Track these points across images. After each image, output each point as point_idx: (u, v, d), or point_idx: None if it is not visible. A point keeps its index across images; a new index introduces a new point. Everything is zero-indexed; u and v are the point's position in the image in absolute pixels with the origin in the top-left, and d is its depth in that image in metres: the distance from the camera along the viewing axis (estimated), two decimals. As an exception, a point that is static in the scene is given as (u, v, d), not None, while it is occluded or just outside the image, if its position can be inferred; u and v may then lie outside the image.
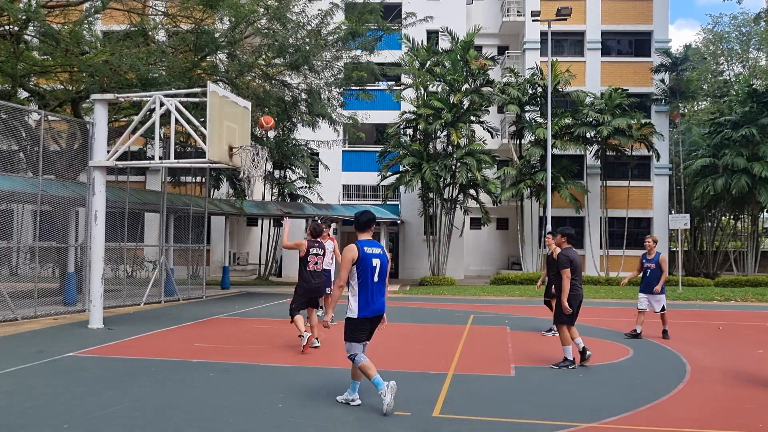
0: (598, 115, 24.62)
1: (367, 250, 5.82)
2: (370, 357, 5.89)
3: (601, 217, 26.53)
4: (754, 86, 26.73)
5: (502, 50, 30.27)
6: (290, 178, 25.87)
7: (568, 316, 7.97)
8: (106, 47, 13.85)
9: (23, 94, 16.17)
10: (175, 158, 11.53)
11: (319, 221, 10.10)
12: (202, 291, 17.59)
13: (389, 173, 24.50)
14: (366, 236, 5.95)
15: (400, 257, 27.18)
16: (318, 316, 9.87)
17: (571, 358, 7.92)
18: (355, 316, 5.77)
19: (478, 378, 7.34)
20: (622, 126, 24.23)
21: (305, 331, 8.75)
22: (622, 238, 25.93)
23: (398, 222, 25.33)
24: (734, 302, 18.08)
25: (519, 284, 22.40)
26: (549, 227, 21.53)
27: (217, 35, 14.46)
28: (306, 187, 25.57)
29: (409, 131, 24.92)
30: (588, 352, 8.02)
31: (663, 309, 10.70)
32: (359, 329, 5.81)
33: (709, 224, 31.80)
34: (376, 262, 5.81)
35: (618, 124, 24.14)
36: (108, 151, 11.34)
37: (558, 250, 8.43)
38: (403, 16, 18.31)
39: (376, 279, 5.80)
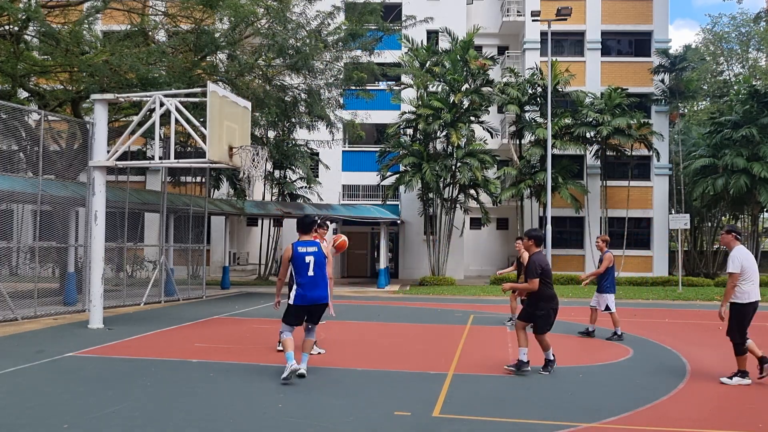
0: (597, 115, 24.62)
1: (301, 249, 6.86)
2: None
3: (601, 217, 26.53)
4: (755, 86, 26.71)
5: (502, 50, 30.27)
6: (290, 178, 25.86)
7: (547, 324, 7.52)
8: (106, 47, 13.85)
9: (23, 94, 16.16)
10: (175, 158, 11.53)
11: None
12: (202, 291, 17.59)
13: (389, 173, 24.50)
14: (306, 237, 6.98)
15: (400, 257, 27.18)
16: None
17: (527, 360, 7.49)
18: (291, 303, 6.90)
19: (478, 378, 7.34)
20: (621, 126, 24.23)
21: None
22: (623, 238, 25.91)
23: (398, 222, 25.32)
24: (734, 302, 18.04)
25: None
26: (549, 227, 21.54)
27: (217, 35, 14.45)
28: (306, 187, 25.56)
29: (409, 131, 24.92)
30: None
31: (607, 309, 10.41)
32: (292, 315, 6.94)
33: (709, 224, 31.80)
34: (309, 258, 6.82)
35: (618, 123, 24.14)
36: (108, 151, 11.34)
37: (526, 254, 8.08)
38: (403, 18, 18.30)
39: (311, 273, 6.80)
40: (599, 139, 25.33)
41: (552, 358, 7.68)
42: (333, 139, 21.94)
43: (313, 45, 15.31)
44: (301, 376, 6.78)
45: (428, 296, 19.08)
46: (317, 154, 25.56)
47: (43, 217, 12.94)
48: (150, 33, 15.20)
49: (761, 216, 29.98)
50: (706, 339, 10.76)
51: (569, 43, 28.19)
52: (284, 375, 6.72)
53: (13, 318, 11.62)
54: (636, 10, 27.83)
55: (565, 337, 10.63)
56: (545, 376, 7.45)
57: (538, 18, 22.80)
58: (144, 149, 19.03)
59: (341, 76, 17.56)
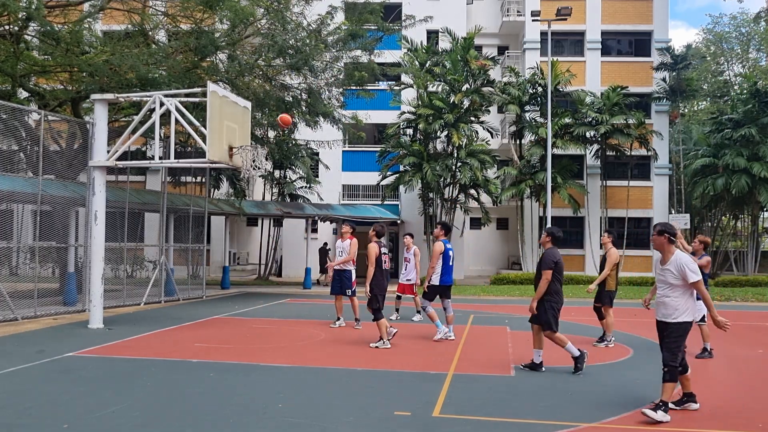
0: (597, 114, 24.63)
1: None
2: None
3: (601, 217, 26.53)
4: (757, 85, 26.65)
5: (502, 50, 30.27)
6: (290, 178, 25.85)
7: (555, 320, 7.54)
8: (106, 47, 13.83)
9: (23, 94, 16.15)
10: (175, 158, 11.52)
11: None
12: (202, 291, 17.58)
13: (389, 173, 24.49)
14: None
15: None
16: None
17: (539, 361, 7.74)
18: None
19: (478, 378, 7.34)
20: (620, 124, 24.22)
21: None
22: (622, 238, 25.91)
23: (398, 222, 25.30)
24: (734, 302, 18.06)
25: (519, 284, 22.38)
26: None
27: (217, 35, 14.44)
28: (306, 187, 25.54)
29: (409, 131, 24.91)
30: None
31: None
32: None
33: (709, 224, 31.79)
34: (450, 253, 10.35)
35: (617, 121, 24.13)
36: (108, 151, 11.34)
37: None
38: (403, 18, 18.28)
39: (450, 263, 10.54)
40: (599, 139, 25.34)
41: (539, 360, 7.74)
42: (337, 138, 21.87)
43: (313, 45, 15.30)
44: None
45: (428, 296, 19.02)
46: (317, 154, 25.53)
47: (43, 217, 12.93)
48: (150, 33, 15.19)
49: (761, 216, 29.98)
50: (706, 339, 10.74)
51: (569, 43, 28.19)
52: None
53: (13, 318, 11.61)
54: (636, 10, 27.83)
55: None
56: (545, 376, 7.44)
57: (538, 18, 22.80)
58: (144, 149, 19.02)
59: (341, 76, 17.54)
